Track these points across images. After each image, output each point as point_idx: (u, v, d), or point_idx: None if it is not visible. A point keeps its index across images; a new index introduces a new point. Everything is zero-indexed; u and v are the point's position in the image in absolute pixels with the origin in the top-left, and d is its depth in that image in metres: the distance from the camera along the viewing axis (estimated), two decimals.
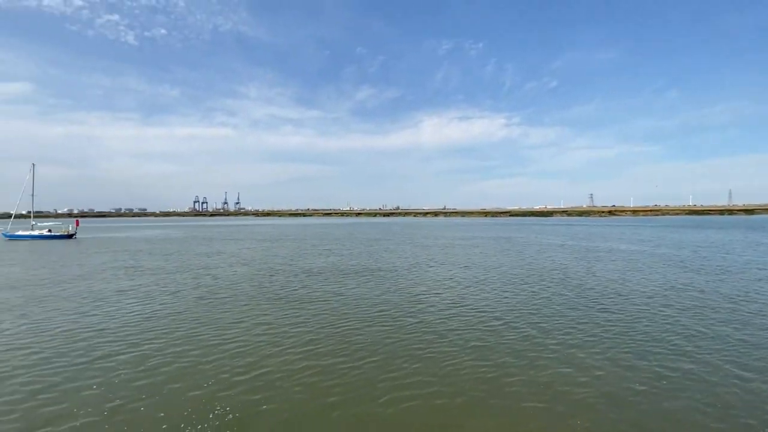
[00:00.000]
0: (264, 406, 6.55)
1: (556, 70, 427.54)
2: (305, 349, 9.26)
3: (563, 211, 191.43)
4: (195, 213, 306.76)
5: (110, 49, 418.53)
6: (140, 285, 17.56)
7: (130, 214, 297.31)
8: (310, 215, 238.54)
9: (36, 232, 47.81)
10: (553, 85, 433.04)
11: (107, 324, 11.39)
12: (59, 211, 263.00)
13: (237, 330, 10.73)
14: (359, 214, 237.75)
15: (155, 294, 15.59)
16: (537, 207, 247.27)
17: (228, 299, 14.50)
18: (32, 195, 48.56)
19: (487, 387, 7.21)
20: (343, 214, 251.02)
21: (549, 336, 9.96)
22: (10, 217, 55.43)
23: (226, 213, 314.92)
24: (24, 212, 51.50)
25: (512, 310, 12.64)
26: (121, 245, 39.51)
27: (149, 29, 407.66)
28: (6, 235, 47.62)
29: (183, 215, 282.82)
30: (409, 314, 12.27)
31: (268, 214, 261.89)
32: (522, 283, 17.27)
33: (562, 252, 29.24)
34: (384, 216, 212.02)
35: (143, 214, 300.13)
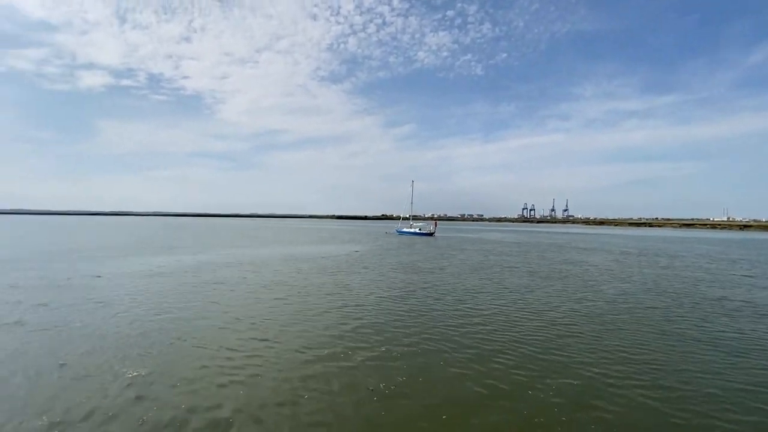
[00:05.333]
0: None
1: None
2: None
3: None
4: (523, 219, 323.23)
5: (463, 83, 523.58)
6: (524, 284, 18.99)
7: (470, 219, 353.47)
8: (659, 225, 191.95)
9: (413, 230, 65.97)
10: None
11: (511, 314, 12.60)
12: (425, 215, 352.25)
13: (641, 354, 8.79)
14: (746, 226, 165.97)
15: (547, 294, 16.20)
16: None
17: (627, 317, 12.73)
18: (411, 203, 68.38)
19: None
20: (714, 225, 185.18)
21: None
22: (399, 219, 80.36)
23: (553, 220, 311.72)
24: (406, 215, 72.47)
25: None
26: (480, 245, 46.38)
27: (492, 57, 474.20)
28: (398, 231, 69.45)
29: (512, 221, 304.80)
30: None
31: (602, 222, 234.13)
32: None
33: None
34: None
35: (480, 219, 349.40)
